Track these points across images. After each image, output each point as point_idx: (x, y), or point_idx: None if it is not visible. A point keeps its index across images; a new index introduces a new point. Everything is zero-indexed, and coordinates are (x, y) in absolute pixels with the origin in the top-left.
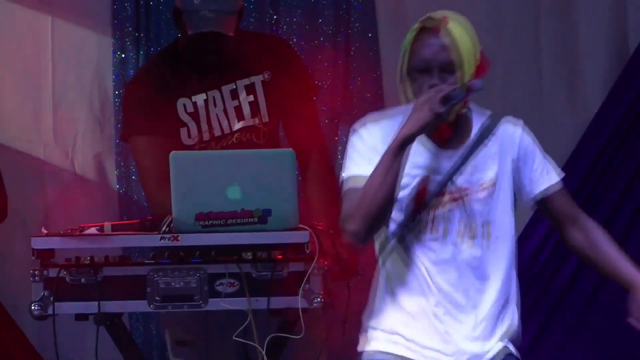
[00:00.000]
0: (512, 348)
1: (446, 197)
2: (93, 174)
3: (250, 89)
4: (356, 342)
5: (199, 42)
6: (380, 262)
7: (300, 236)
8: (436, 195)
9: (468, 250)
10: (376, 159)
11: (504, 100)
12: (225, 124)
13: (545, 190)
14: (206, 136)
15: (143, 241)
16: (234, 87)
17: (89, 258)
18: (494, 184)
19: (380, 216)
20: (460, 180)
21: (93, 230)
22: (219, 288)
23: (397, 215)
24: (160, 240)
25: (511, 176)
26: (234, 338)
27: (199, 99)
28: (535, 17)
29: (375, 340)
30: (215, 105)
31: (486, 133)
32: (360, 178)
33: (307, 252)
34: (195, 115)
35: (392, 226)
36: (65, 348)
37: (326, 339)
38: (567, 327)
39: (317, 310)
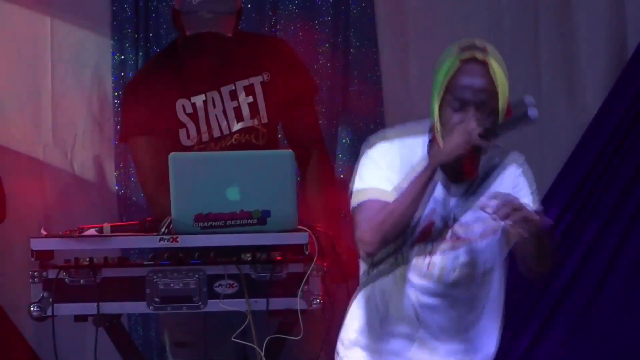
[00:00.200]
0: None
1: (445, 245)
2: (92, 175)
3: (249, 90)
4: None
5: (197, 43)
6: (367, 276)
7: (299, 237)
8: (438, 237)
9: (464, 292)
10: (394, 177)
11: None
12: (224, 125)
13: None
14: (205, 137)
15: (142, 242)
16: (233, 88)
17: (88, 259)
18: (495, 233)
19: (400, 235)
20: (460, 230)
21: (92, 231)
22: (218, 289)
23: (405, 242)
24: (159, 241)
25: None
26: (233, 339)
27: (198, 100)
28: (534, 19)
29: (348, 357)
30: (214, 106)
31: (490, 171)
32: (378, 192)
33: (306, 253)
34: (194, 116)
35: (395, 251)
36: (64, 349)
37: (325, 340)
38: (567, 328)
39: (316, 312)
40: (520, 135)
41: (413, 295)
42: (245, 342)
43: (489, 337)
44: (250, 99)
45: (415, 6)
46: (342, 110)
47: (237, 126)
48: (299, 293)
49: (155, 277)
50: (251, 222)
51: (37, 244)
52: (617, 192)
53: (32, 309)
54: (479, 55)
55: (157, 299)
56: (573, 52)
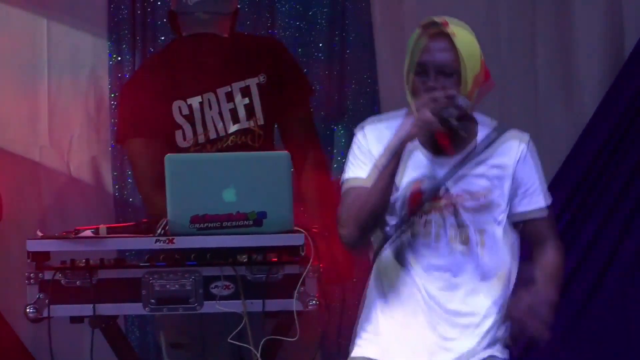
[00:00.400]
0: (499, 354)
1: (439, 203)
2: (88, 176)
3: (245, 92)
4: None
5: (193, 44)
6: (374, 265)
7: (295, 239)
8: (430, 200)
9: (460, 256)
10: (370, 162)
11: (499, 103)
12: (220, 126)
13: (527, 208)
14: (201, 139)
15: (138, 244)
16: (230, 89)
17: (84, 261)
18: (487, 196)
19: (371, 221)
20: (454, 187)
21: (88, 232)
22: (214, 291)
23: (391, 219)
24: (155, 242)
25: (507, 192)
26: (229, 340)
27: (195, 101)
28: (531, 20)
29: (361, 346)
30: (210, 107)
31: (487, 145)
32: (354, 180)
33: (302, 254)
34: (190, 118)
35: (386, 229)
36: (60, 351)
37: (321, 341)
38: (562, 330)
39: (312, 313)
40: None
41: (416, 271)
42: (241, 344)
43: (494, 304)
44: (247, 100)
45: (411, 8)
46: (338, 112)
47: (233, 128)
48: (295, 294)
49: (151, 278)
50: (247, 223)
51: (33, 246)
52: (615, 192)
53: (28, 310)
54: (430, 26)
55: (153, 300)
56: (570, 52)
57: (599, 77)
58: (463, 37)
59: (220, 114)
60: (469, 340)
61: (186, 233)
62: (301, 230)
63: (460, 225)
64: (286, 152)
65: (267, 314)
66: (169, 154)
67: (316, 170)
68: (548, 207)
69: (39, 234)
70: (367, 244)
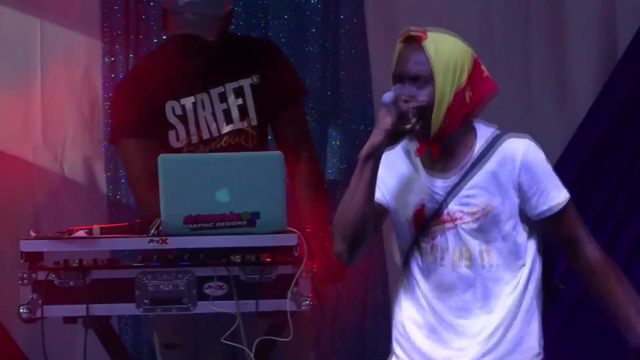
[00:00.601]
0: None
1: (443, 225)
2: (82, 177)
3: (239, 92)
4: (345, 344)
5: (178, 44)
6: (400, 276)
7: (288, 239)
8: (434, 224)
9: (465, 276)
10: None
11: (493, 104)
12: (213, 127)
13: (541, 215)
14: (194, 139)
15: (132, 244)
16: (223, 90)
17: (77, 261)
18: (488, 213)
19: (355, 234)
20: (453, 207)
21: (82, 233)
22: (208, 291)
23: (404, 242)
24: (148, 243)
25: (514, 199)
26: (223, 341)
27: (188, 101)
28: (524, 21)
29: (392, 355)
30: (203, 108)
31: (483, 156)
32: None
33: (296, 255)
34: (183, 118)
35: (402, 254)
36: (53, 351)
37: (315, 341)
38: (560, 324)
39: (306, 313)
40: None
41: (424, 291)
42: (234, 344)
43: (519, 334)
44: (240, 101)
45: (404, 9)
46: (331, 112)
47: (226, 128)
48: (289, 294)
49: (144, 278)
50: (240, 223)
51: (27, 246)
52: (607, 193)
53: (21, 310)
54: (414, 32)
55: (146, 301)
56: (563, 54)
57: (592, 78)
58: (440, 48)
59: (214, 114)
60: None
61: (179, 233)
62: (294, 230)
63: (464, 248)
64: (279, 152)
65: (260, 315)
66: (162, 154)
67: (309, 170)
68: (567, 201)
69: (33, 234)
70: (358, 259)
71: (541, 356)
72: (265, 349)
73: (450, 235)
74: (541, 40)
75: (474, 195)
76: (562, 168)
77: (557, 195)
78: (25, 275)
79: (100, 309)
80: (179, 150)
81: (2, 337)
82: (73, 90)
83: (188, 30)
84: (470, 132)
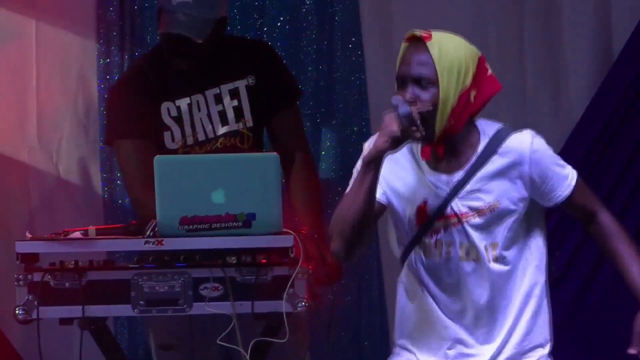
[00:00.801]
0: None
1: (447, 221)
2: (77, 178)
3: (234, 94)
4: (341, 345)
5: (167, 43)
6: (400, 275)
7: (284, 240)
8: (437, 219)
9: (473, 274)
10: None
11: (488, 106)
12: (209, 128)
13: (556, 202)
14: (190, 140)
15: (127, 245)
16: (218, 91)
17: (73, 262)
18: (494, 209)
19: (354, 235)
20: (458, 204)
21: (77, 234)
22: (203, 292)
23: (405, 237)
24: (144, 244)
25: (523, 193)
26: (218, 342)
27: (183, 103)
28: (519, 22)
29: (393, 356)
30: (199, 109)
31: (488, 154)
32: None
33: (292, 256)
34: (179, 120)
35: (402, 248)
36: (49, 352)
37: (311, 342)
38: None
39: (302, 314)
40: None
41: (430, 290)
42: (230, 345)
43: (527, 331)
44: (235, 102)
45: (400, 10)
46: (327, 113)
47: (222, 130)
48: (284, 296)
49: (140, 280)
50: (236, 225)
51: (22, 247)
52: (604, 193)
53: (17, 312)
54: (418, 33)
55: (142, 302)
56: (558, 56)
57: (588, 79)
58: (445, 49)
59: (209, 115)
60: (491, 348)
61: (175, 234)
62: (290, 231)
63: (470, 243)
64: (275, 153)
65: (256, 316)
66: (158, 156)
67: (304, 172)
68: (576, 181)
69: (28, 235)
70: (355, 256)
71: (550, 348)
72: (261, 350)
73: (454, 230)
74: (536, 40)
75: (479, 191)
76: None
77: (567, 179)
78: (20, 276)
79: (96, 310)
80: (174, 152)
81: None
82: (68, 92)
83: (177, 30)
84: (473, 131)
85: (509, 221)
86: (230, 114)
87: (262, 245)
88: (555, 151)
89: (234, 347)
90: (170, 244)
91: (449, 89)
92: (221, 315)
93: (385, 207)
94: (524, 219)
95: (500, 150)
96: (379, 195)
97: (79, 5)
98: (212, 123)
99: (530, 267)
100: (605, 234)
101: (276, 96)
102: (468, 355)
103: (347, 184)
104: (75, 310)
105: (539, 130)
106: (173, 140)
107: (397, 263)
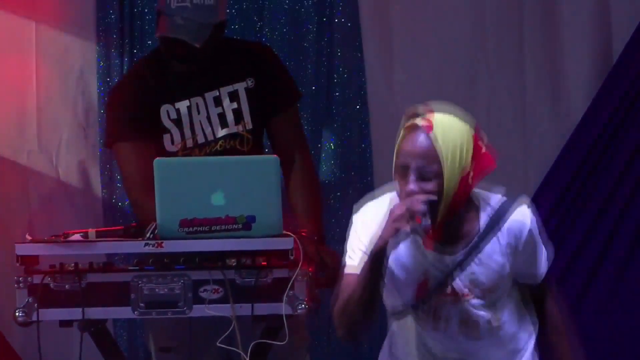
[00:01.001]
0: None
1: (446, 299)
2: (77, 180)
3: (233, 96)
4: (340, 348)
5: (165, 47)
6: (390, 322)
7: (284, 242)
8: (436, 294)
9: (470, 342)
10: (360, 251)
11: (488, 109)
12: (208, 131)
13: (524, 278)
14: (189, 143)
15: (127, 247)
16: (218, 94)
17: (73, 264)
18: (496, 289)
19: (362, 321)
20: (459, 283)
21: (77, 236)
22: (203, 294)
23: (400, 305)
24: (144, 246)
25: (512, 269)
26: (218, 344)
27: (182, 105)
28: (518, 25)
29: None
30: (198, 112)
31: (488, 233)
32: (346, 269)
33: (291, 258)
34: (178, 122)
35: (398, 307)
36: (49, 355)
37: (310, 345)
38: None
39: (301, 317)
40: (505, 142)
41: (426, 348)
42: (230, 347)
43: None
44: (235, 105)
45: (399, 12)
46: (326, 116)
47: (221, 132)
48: (284, 298)
49: (140, 282)
50: (236, 227)
51: (22, 249)
52: (602, 198)
53: (17, 314)
54: (420, 122)
55: (142, 304)
56: (557, 59)
57: (587, 80)
58: (447, 139)
59: (209, 118)
60: None
61: (175, 237)
62: (290, 234)
63: (469, 318)
64: (275, 156)
65: (256, 318)
66: (158, 158)
67: (304, 174)
68: (546, 273)
69: (28, 237)
70: (362, 337)
71: None
72: (261, 353)
73: (453, 307)
74: (536, 43)
75: (482, 273)
76: (558, 170)
77: (542, 266)
78: (20, 278)
79: (95, 313)
80: (174, 154)
81: None
82: (68, 94)
83: (176, 34)
84: (470, 205)
85: (507, 293)
86: (230, 117)
87: (262, 247)
88: (553, 152)
89: (234, 349)
90: (170, 246)
91: (452, 178)
92: (221, 318)
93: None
94: (515, 288)
95: (501, 231)
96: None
97: (78, 8)
98: (211, 125)
99: (526, 329)
100: (552, 328)
101: (276, 98)
102: None
103: (347, 187)
104: (75, 313)
105: (538, 132)
106: (173, 142)
107: None
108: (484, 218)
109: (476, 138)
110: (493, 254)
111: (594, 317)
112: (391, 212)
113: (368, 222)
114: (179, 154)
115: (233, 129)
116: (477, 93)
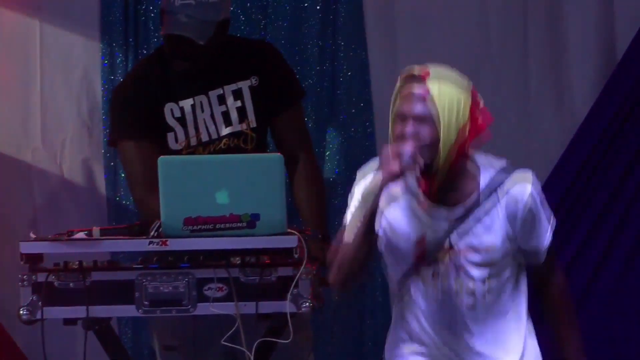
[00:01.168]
0: None
1: (444, 257)
2: (81, 178)
3: (237, 95)
4: (344, 346)
5: (169, 45)
6: (394, 298)
7: (288, 241)
8: (435, 254)
9: (465, 306)
10: (353, 206)
11: (491, 106)
12: (212, 129)
13: (527, 248)
14: (193, 141)
15: (132, 246)
16: (222, 92)
17: (77, 263)
18: (494, 249)
19: (352, 269)
20: (459, 242)
21: (81, 234)
22: (208, 293)
23: (400, 270)
24: (148, 244)
25: (514, 235)
26: (222, 342)
27: (186, 104)
28: (523, 24)
29: None
30: (202, 110)
31: (488, 192)
32: (344, 227)
33: (296, 256)
34: (182, 121)
35: (399, 274)
36: (53, 353)
37: (314, 343)
38: None
39: (306, 315)
40: (509, 141)
41: (424, 316)
42: (234, 346)
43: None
44: (239, 103)
45: (404, 11)
46: (330, 114)
47: (225, 131)
48: (289, 296)
49: (144, 280)
50: (240, 225)
51: (27, 248)
52: (606, 195)
53: (21, 312)
54: (417, 72)
55: (146, 303)
56: (561, 57)
57: (591, 81)
58: (444, 86)
59: (213, 116)
60: None
61: (179, 235)
62: (294, 232)
63: (466, 279)
64: (279, 154)
65: (260, 316)
66: (162, 156)
67: (308, 172)
68: (550, 246)
69: (32, 236)
70: (353, 288)
71: None
72: (265, 351)
73: (451, 265)
74: (539, 42)
75: (480, 231)
76: (561, 171)
77: (544, 239)
78: (25, 276)
79: (100, 311)
80: (178, 153)
81: (2, 338)
82: (72, 92)
83: (179, 32)
84: (471, 165)
85: (504, 259)
86: (234, 115)
87: (266, 245)
88: (557, 152)
89: (238, 347)
90: (174, 245)
91: (450, 125)
92: (225, 316)
93: (382, 239)
94: (515, 256)
95: (501, 190)
96: (378, 228)
97: (83, 6)
98: (215, 124)
99: (523, 302)
100: (552, 305)
101: (279, 96)
102: None
103: (351, 184)
104: (79, 311)
105: (542, 131)
106: (177, 141)
107: None
108: (483, 180)
109: (474, 94)
110: (491, 216)
111: (596, 317)
112: (381, 154)
113: (365, 176)
114: (183, 152)
115: (237, 127)
116: (480, 92)
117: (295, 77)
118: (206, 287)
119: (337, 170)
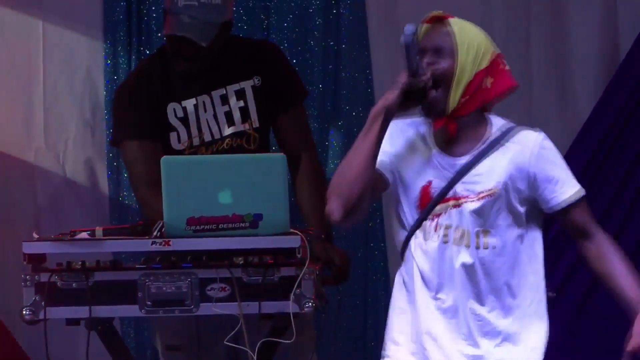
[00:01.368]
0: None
1: (447, 204)
2: (84, 178)
3: (240, 95)
4: (347, 346)
5: (171, 45)
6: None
7: (291, 241)
8: (439, 202)
9: (462, 259)
10: (388, 147)
11: (494, 107)
12: (215, 129)
13: (553, 206)
14: (196, 141)
15: (134, 246)
16: (224, 92)
17: (80, 263)
18: (493, 195)
19: (352, 195)
20: (461, 187)
21: (84, 235)
22: (210, 293)
23: (406, 222)
24: (151, 244)
25: (524, 189)
26: (225, 343)
27: (189, 104)
28: (526, 22)
29: (386, 356)
30: (205, 110)
31: (496, 143)
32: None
33: (299, 256)
34: (185, 120)
35: (403, 233)
36: (56, 353)
37: (317, 343)
38: (558, 332)
39: (308, 315)
40: None
41: (425, 273)
42: (237, 346)
43: (515, 325)
44: (242, 103)
45: (406, 10)
46: (333, 114)
47: (228, 130)
48: (291, 296)
49: (147, 280)
50: (243, 225)
51: (29, 248)
52: (608, 197)
53: (24, 312)
54: (438, 14)
55: (149, 303)
56: (564, 56)
57: (594, 80)
58: (465, 28)
59: (215, 116)
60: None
61: (182, 235)
62: (297, 232)
63: (462, 227)
64: (282, 154)
65: (263, 316)
66: (165, 156)
67: (310, 172)
68: (580, 197)
69: (35, 236)
70: (348, 222)
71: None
72: (268, 351)
73: (453, 213)
74: (543, 42)
75: (482, 177)
76: None
77: (569, 188)
78: (27, 277)
79: (102, 311)
80: (180, 152)
81: (4, 338)
82: (75, 92)
83: (182, 32)
84: (484, 120)
85: (506, 215)
86: (237, 115)
87: (269, 245)
88: (562, 152)
89: (241, 347)
90: (177, 245)
91: (466, 63)
92: (228, 316)
93: (389, 185)
94: (521, 215)
95: (509, 142)
96: (385, 171)
97: (85, 5)
98: (218, 124)
99: (523, 264)
100: (600, 254)
101: (282, 96)
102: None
103: None
104: (82, 311)
105: (546, 131)
106: (179, 141)
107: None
108: (495, 129)
109: (499, 55)
110: (495, 163)
111: (598, 320)
112: (396, 79)
113: (396, 129)
114: (185, 152)
115: (240, 127)
116: None
117: (298, 78)
118: (209, 287)
119: None
